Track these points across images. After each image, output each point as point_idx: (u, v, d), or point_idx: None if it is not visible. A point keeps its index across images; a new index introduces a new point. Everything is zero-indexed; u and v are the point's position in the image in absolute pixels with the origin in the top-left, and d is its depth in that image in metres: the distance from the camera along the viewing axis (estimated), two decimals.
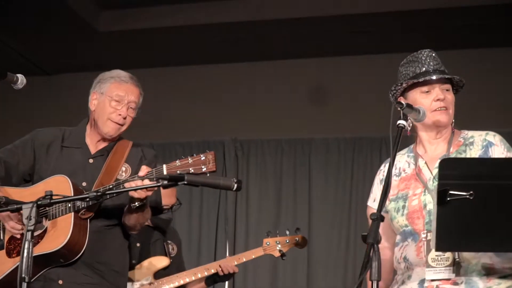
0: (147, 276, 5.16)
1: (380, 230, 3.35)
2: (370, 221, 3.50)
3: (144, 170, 3.63)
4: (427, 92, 3.35)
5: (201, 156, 3.56)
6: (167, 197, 5.28)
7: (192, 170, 3.53)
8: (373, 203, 3.52)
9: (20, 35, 7.67)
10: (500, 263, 3.18)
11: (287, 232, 5.45)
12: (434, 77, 3.33)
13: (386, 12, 7.10)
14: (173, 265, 5.31)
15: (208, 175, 3.54)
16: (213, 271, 5.24)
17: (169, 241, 5.39)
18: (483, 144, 3.34)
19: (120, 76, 4.02)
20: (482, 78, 7.34)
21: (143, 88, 4.11)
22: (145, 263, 5.19)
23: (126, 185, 3.59)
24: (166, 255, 5.27)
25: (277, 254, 5.41)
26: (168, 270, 5.23)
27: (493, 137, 3.36)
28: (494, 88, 7.58)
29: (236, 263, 5.30)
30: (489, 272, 3.16)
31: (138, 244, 5.24)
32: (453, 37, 7.36)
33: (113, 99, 3.95)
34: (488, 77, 7.55)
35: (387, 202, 3.39)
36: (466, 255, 3.17)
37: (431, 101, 3.33)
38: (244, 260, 5.37)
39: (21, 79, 3.58)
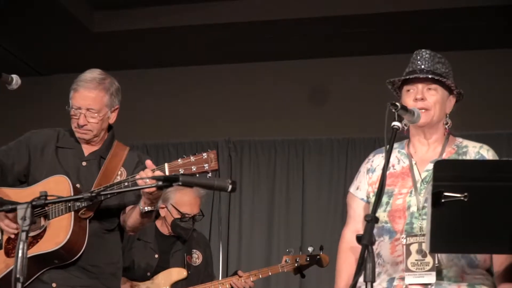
0: (164, 287, 5.14)
1: (357, 217, 3.39)
2: (350, 207, 3.52)
3: (149, 166, 3.62)
4: (409, 91, 3.38)
5: (203, 154, 3.55)
6: (189, 206, 5.26)
7: (195, 169, 3.53)
8: (356, 191, 3.55)
9: (14, 35, 7.65)
10: (471, 272, 3.24)
11: (310, 250, 5.41)
12: (408, 76, 3.36)
13: (382, 13, 7.11)
14: (198, 274, 5.29)
15: (210, 174, 3.53)
16: (227, 286, 5.22)
17: (194, 250, 5.36)
18: (476, 156, 3.35)
19: (78, 83, 3.95)
20: (481, 79, 7.36)
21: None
22: (162, 274, 5.17)
23: (140, 182, 3.58)
24: (184, 267, 5.24)
25: (295, 272, 5.39)
26: (191, 280, 5.21)
27: (487, 152, 3.38)
28: (494, 90, 7.59)
29: (252, 279, 5.27)
30: (459, 280, 3.22)
31: (156, 256, 5.22)
32: (452, 38, 7.37)
33: (72, 109, 3.94)
34: (487, 78, 7.56)
35: (371, 194, 3.42)
36: (443, 260, 3.21)
37: (411, 101, 3.34)
38: (261, 276, 5.32)
39: (15, 80, 3.58)
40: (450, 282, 3.20)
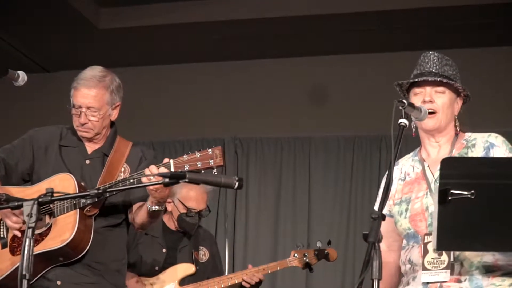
0: (171, 283, 5.13)
1: (386, 233, 3.38)
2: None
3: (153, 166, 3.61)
4: (418, 93, 3.36)
5: (209, 150, 3.54)
6: (196, 201, 5.26)
7: (200, 165, 3.51)
8: None
9: (20, 32, 7.66)
10: (504, 260, 3.17)
11: (318, 245, 5.41)
12: (416, 79, 3.35)
13: (386, 10, 7.10)
14: (205, 270, 5.29)
15: (215, 170, 3.52)
16: (236, 281, 5.21)
17: (200, 247, 5.36)
18: (484, 145, 3.33)
19: (78, 81, 3.94)
20: (482, 77, 7.33)
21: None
22: (170, 270, 5.15)
23: (145, 179, 3.56)
24: (192, 262, 5.24)
25: (303, 266, 5.37)
26: (198, 276, 5.21)
27: (495, 138, 3.34)
28: (495, 88, 7.57)
29: (261, 274, 5.26)
30: (492, 269, 3.17)
31: (164, 250, 5.21)
32: (453, 36, 7.36)
33: (73, 108, 3.94)
34: (488, 76, 7.54)
35: (392, 206, 3.41)
36: (468, 253, 3.16)
37: (419, 103, 3.32)
38: (269, 271, 5.30)
39: (22, 76, 3.58)
40: (483, 274, 3.16)
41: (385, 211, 3.41)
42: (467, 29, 7.33)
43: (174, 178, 3.01)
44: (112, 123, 4.07)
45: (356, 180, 7.87)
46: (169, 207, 5.26)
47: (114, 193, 3.71)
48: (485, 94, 7.24)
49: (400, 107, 3.09)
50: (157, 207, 3.73)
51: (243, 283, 5.18)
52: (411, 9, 7.06)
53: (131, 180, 3.66)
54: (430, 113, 3.31)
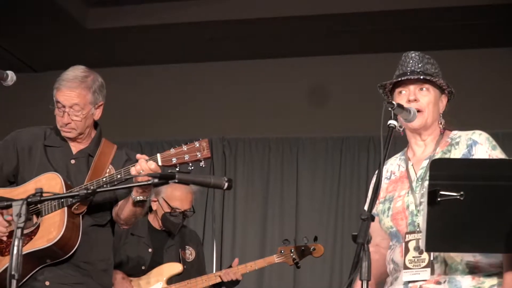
0: (159, 282, 5.13)
1: (374, 232, 3.38)
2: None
3: (141, 158, 3.61)
4: (401, 92, 3.35)
5: (195, 143, 3.57)
6: (180, 201, 5.26)
7: (187, 157, 3.53)
8: None
9: (8, 32, 7.64)
10: (485, 261, 3.18)
11: (304, 241, 5.44)
12: (399, 79, 3.33)
13: (377, 11, 7.11)
14: (191, 270, 5.30)
15: (203, 162, 3.53)
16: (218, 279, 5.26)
17: (187, 246, 5.37)
18: (467, 143, 3.32)
19: (60, 82, 3.93)
20: (473, 78, 7.36)
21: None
22: (157, 269, 5.17)
23: (134, 172, 3.55)
24: (180, 261, 5.24)
25: (290, 262, 5.41)
26: (185, 275, 5.21)
27: (478, 136, 3.33)
28: (487, 89, 7.59)
29: (248, 271, 5.29)
30: (473, 270, 3.17)
31: (150, 250, 5.21)
32: (446, 37, 7.37)
33: (56, 107, 3.94)
34: (479, 77, 7.56)
35: (378, 204, 3.41)
36: (448, 253, 3.17)
37: (404, 103, 3.30)
38: (257, 268, 5.35)
39: (11, 76, 3.56)
40: (463, 275, 3.16)
41: (374, 211, 3.42)
42: (459, 30, 7.34)
43: (164, 179, 3.00)
44: (97, 125, 4.07)
45: (344, 180, 7.88)
46: (154, 206, 5.27)
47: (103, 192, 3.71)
48: (480, 95, 7.28)
49: (389, 109, 3.09)
50: (141, 197, 3.73)
51: (220, 276, 5.22)
52: (402, 10, 7.07)
53: (119, 176, 3.65)
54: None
